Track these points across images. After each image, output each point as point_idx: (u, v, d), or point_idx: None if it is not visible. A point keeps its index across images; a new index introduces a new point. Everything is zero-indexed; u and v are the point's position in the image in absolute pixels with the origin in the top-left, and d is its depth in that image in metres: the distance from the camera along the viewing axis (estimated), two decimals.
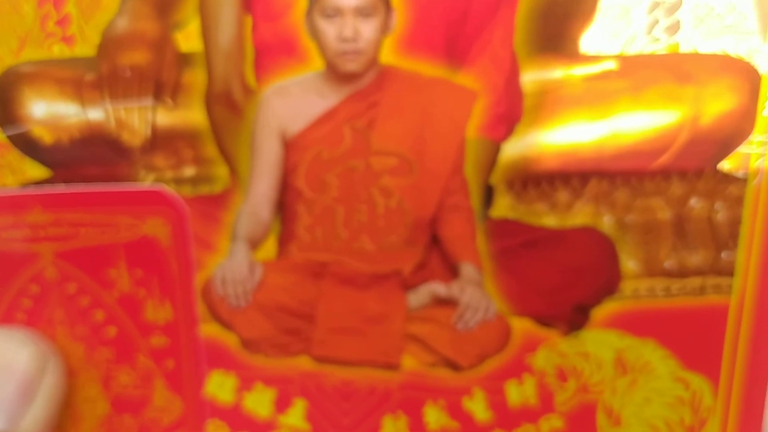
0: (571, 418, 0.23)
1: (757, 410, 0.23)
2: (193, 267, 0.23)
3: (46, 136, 0.22)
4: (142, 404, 0.24)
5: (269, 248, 0.23)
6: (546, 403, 0.23)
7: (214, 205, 0.23)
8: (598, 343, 0.23)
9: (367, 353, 0.23)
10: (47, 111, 0.22)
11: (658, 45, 0.21)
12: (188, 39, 0.21)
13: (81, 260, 0.23)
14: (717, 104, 0.21)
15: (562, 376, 0.23)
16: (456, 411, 0.23)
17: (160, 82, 0.22)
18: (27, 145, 0.22)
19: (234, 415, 0.24)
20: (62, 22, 0.21)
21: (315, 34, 0.21)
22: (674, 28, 0.21)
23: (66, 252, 0.23)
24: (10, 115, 0.22)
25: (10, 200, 0.23)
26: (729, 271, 0.22)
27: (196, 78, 0.22)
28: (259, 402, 0.24)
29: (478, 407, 0.23)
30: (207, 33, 0.21)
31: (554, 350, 0.23)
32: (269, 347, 0.24)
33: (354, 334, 0.23)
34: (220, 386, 0.24)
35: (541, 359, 0.23)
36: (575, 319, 0.23)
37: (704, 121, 0.21)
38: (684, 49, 0.21)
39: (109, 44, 0.21)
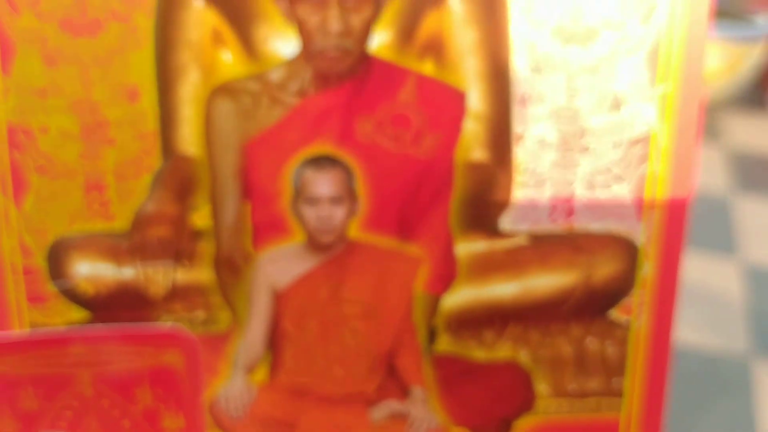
0: None
1: None
2: (202, 388, 0.29)
3: (89, 289, 0.29)
4: None
5: (262, 373, 0.29)
6: None
7: (219, 341, 0.29)
8: None
9: None
10: (91, 270, 0.28)
11: (557, 225, 0.27)
12: (201, 218, 0.28)
13: (113, 382, 0.29)
14: (604, 269, 0.28)
15: None
16: None
17: (179, 249, 0.28)
18: (73, 295, 0.29)
19: None
20: (104, 204, 0.28)
21: (299, 215, 0.28)
22: (569, 212, 0.27)
23: (101, 375, 0.29)
24: (61, 272, 0.28)
25: (58, 337, 0.29)
26: (619, 393, 0.29)
27: (207, 247, 0.28)
28: None
29: None
30: (216, 214, 0.28)
31: None
32: None
33: None
34: None
35: None
36: (501, 430, 0.29)
37: (595, 281, 0.28)
38: (578, 228, 0.27)
39: (140, 221, 0.28)
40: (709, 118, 0.98)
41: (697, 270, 0.65)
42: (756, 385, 0.53)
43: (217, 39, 0.26)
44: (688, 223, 0.27)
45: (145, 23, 0.26)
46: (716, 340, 0.56)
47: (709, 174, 0.84)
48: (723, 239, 0.71)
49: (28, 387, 0.30)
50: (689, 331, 0.54)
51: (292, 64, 0.26)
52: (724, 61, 0.98)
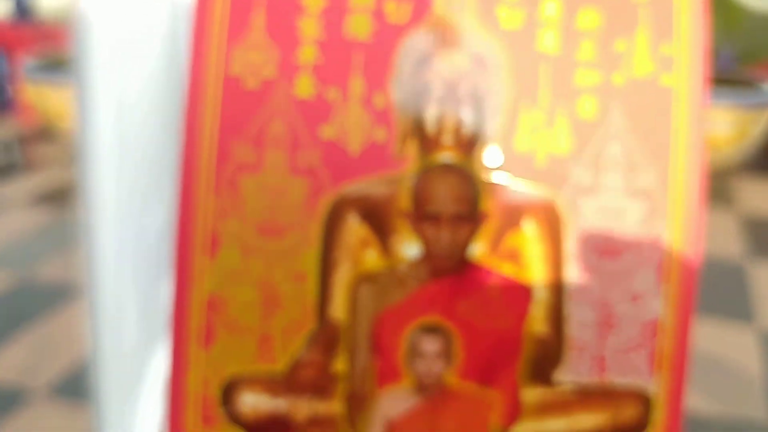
0: None
1: None
2: None
3: (250, 415, 0.39)
4: None
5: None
6: None
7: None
8: None
9: None
10: (253, 400, 0.39)
11: (594, 380, 0.39)
12: (341, 365, 0.39)
13: None
14: (626, 412, 0.39)
15: None
16: None
17: (322, 388, 0.39)
18: (237, 419, 0.39)
19: None
20: (270, 353, 0.39)
21: (410, 366, 0.39)
22: (602, 371, 0.39)
23: None
24: (231, 401, 0.39)
25: None
26: None
27: (342, 386, 0.39)
28: None
29: None
30: (352, 363, 0.39)
31: None
32: None
33: None
34: None
35: None
36: None
37: (620, 421, 0.39)
38: (608, 382, 0.39)
39: (296, 366, 0.39)
40: (720, 184, 0.97)
41: (713, 339, 0.65)
42: None
43: (364, 243, 0.38)
44: (688, 382, 0.39)
45: (316, 230, 0.38)
46: (735, 409, 0.56)
47: (723, 240, 0.84)
48: (739, 307, 0.70)
49: None
50: (706, 401, 0.55)
51: (415, 262, 0.38)
52: (733, 128, 1.03)
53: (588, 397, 0.39)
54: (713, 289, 0.74)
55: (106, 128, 0.39)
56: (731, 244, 0.84)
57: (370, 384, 0.39)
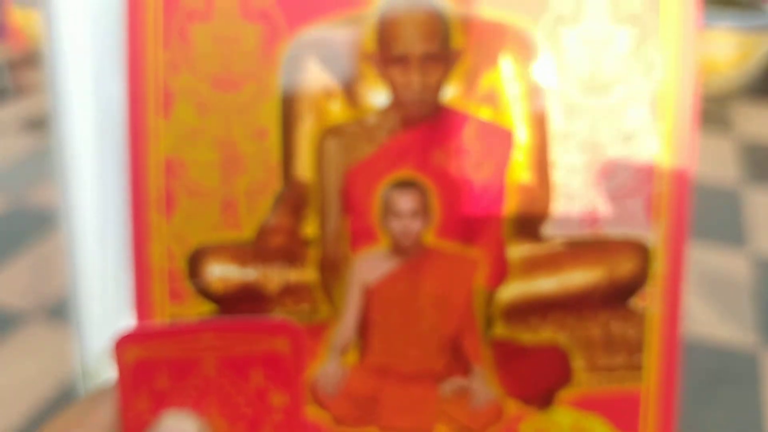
0: None
1: None
2: (304, 369, 0.37)
3: (219, 287, 0.37)
4: None
5: (353, 356, 0.37)
6: None
7: (320, 329, 0.37)
8: (561, 415, 0.36)
9: (415, 423, 0.37)
10: (221, 271, 0.37)
11: (586, 233, 0.36)
12: (311, 229, 0.36)
13: (232, 364, 0.37)
14: (624, 266, 0.36)
15: None
16: None
17: (293, 254, 0.36)
18: (206, 292, 0.37)
19: None
20: (235, 219, 0.36)
21: (386, 226, 0.36)
22: (595, 222, 0.35)
23: (223, 358, 0.37)
24: (198, 273, 0.37)
25: (192, 327, 0.37)
26: (639, 367, 0.36)
27: (314, 252, 0.36)
28: None
29: None
30: (322, 226, 0.36)
31: (533, 420, 0.36)
32: (350, 420, 0.37)
33: (406, 412, 0.37)
34: None
35: (525, 427, 0.37)
36: (546, 400, 0.36)
37: (616, 277, 0.36)
38: (602, 235, 0.36)
39: (263, 232, 0.36)
40: (720, 108, 0.94)
41: (708, 261, 0.65)
42: (764, 376, 0.54)
43: (327, 93, 0.35)
44: (690, 229, 0.35)
45: (274, 81, 0.35)
46: (726, 331, 0.56)
47: (720, 164, 0.83)
48: (733, 230, 0.70)
49: (163, 369, 0.37)
50: (699, 322, 0.55)
51: (384, 111, 0.35)
52: (735, 51, 0.97)
53: (580, 250, 0.36)
54: (709, 213, 0.72)
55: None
56: (728, 168, 0.82)
57: (343, 247, 0.36)
